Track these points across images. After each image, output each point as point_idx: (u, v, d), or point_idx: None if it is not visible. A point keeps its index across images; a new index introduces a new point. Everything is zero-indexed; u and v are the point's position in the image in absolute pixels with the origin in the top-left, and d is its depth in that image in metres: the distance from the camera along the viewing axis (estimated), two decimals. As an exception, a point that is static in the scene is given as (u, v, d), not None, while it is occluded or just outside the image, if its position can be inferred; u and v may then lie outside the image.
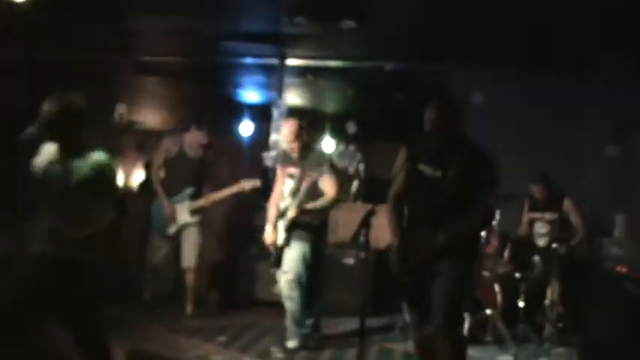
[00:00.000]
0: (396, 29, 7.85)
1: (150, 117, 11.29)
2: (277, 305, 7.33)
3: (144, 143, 10.12)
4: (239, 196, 8.32)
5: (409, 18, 7.43)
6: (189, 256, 8.17)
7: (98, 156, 5.08)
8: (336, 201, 6.91)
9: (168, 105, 11.43)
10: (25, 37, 8.24)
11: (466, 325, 6.95)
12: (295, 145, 6.93)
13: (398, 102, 10.25)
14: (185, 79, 10.24)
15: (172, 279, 8.73)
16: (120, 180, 9.94)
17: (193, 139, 8.22)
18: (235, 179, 8.17)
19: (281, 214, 6.96)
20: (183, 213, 8.16)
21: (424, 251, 5.00)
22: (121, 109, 10.45)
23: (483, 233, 7.33)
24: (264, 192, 7.90)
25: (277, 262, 6.98)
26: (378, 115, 10.87)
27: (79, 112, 5.11)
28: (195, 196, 8.20)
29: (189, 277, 8.20)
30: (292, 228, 6.84)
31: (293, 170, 6.96)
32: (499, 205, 5.72)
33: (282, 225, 6.91)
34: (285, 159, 7.14)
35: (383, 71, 9.10)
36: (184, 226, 8.18)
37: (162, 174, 8.29)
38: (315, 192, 6.81)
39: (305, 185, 6.76)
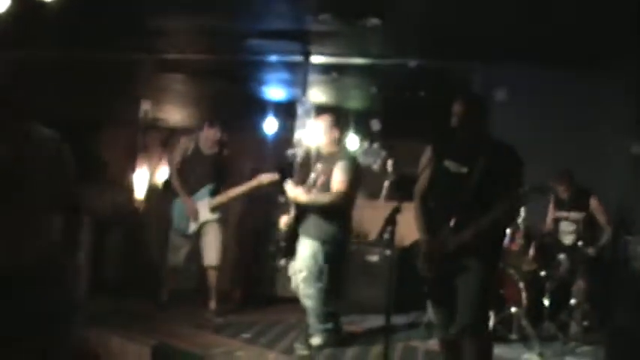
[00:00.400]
0: (420, 26, 7.83)
1: (175, 114, 11.35)
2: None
3: (168, 141, 10.16)
4: (260, 191, 8.32)
5: (433, 15, 7.40)
6: (211, 254, 8.17)
7: None
8: (346, 197, 6.75)
9: (192, 102, 11.48)
10: (50, 36, 8.28)
11: (490, 323, 6.92)
12: (327, 140, 6.86)
13: (422, 99, 10.23)
14: (209, 77, 10.26)
15: (195, 276, 8.77)
16: (145, 177, 9.99)
17: (207, 136, 8.24)
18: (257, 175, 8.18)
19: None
20: (204, 210, 8.17)
21: (449, 247, 4.98)
22: (145, 107, 10.51)
23: (508, 231, 7.31)
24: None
25: (286, 252, 6.93)
26: (403, 112, 10.85)
27: None
28: (214, 193, 8.21)
29: (212, 275, 8.21)
30: (300, 220, 6.82)
31: (318, 165, 6.88)
32: (527, 198, 5.68)
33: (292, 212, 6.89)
34: (316, 156, 7.07)
35: (407, 68, 9.07)
36: (205, 224, 8.19)
37: (180, 172, 8.32)
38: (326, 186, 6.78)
39: (322, 180, 6.70)
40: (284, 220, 7.00)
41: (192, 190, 8.20)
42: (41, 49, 8.47)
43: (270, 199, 9.21)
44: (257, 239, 9.75)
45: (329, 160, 6.83)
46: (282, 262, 7.12)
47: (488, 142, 5.10)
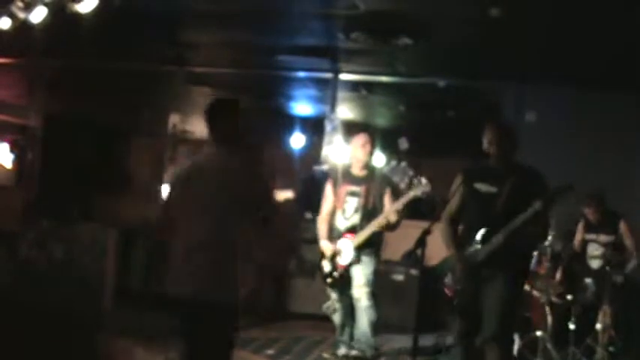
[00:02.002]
0: (450, 46, 7.84)
1: (203, 128, 11.37)
2: (322, 318, 7.33)
3: (197, 153, 10.20)
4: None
5: (463, 35, 7.41)
6: None
7: None
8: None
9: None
10: (83, 48, 8.36)
11: (516, 347, 6.88)
12: (364, 160, 6.93)
13: (451, 119, 10.22)
14: (239, 91, 10.29)
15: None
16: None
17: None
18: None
19: (345, 233, 6.92)
20: None
21: (479, 257, 5.25)
22: (174, 119, 10.56)
23: (535, 254, 7.27)
24: (314, 205, 7.89)
25: (335, 283, 6.96)
26: (431, 131, 10.85)
27: None
28: None
29: None
30: (364, 245, 6.84)
31: (355, 188, 6.93)
32: (551, 202, 5.81)
33: (348, 244, 6.88)
34: (344, 176, 7.09)
35: (437, 88, 9.07)
36: None
37: None
38: (379, 209, 6.83)
39: (372, 202, 6.77)
40: (324, 251, 7.03)
41: None
42: (75, 59, 8.54)
43: (292, 217, 9.21)
44: (280, 255, 9.74)
45: (365, 181, 6.91)
46: (332, 292, 7.11)
47: (516, 164, 5.39)
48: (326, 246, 6.98)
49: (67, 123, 10.48)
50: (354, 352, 6.97)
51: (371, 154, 6.99)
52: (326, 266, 6.99)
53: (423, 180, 6.43)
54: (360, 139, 6.96)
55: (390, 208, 6.70)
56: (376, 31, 7.33)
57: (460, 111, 9.88)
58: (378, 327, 7.02)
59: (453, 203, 5.54)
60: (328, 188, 7.15)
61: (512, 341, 5.83)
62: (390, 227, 6.82)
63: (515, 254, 5.27)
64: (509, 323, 5.40)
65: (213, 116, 4.68)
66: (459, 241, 5.50)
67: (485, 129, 5.45)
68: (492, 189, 5.35)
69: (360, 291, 6.81)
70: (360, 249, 6.81)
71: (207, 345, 4.50)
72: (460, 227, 5.59)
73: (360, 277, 6.83)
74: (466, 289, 5.35)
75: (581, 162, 8.49)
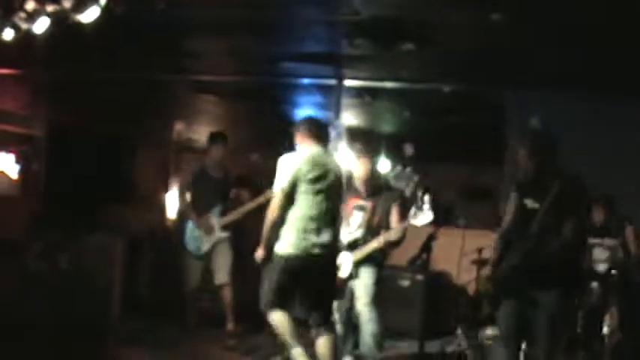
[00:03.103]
0: (455, 51, 7.83)
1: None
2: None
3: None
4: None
5: (468, 40, 7.40)
6: (223, 272, 8.19)
7: None
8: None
9: (225, 124, 11.52)
10: (86, 58, 8.38)
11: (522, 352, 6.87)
12: (368, 183, 6.96)
13: (455, 124, 10.21)
14: (243, 99, 10.32)
15: (212, 297, 8.76)
16: (178, 198, 10.04)
17: (214, 157, 8.31)
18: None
19: (348, 247, 6.93)
20: (215, 230, 8.20)
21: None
22: (179, 128, 10.58)
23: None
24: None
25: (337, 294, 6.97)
26: (436, 137, 10.84)
27: None
28: (224, 213, 8.23)
29: (226, 293, 8.21)
30: (364, 260, 6.84)
31: (362, 202, 6.97)
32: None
33: (348, 257, 6.89)
34: (351, 189, 7.10)
35: (441, 93, 9.06)
36: (216, 243, 8.21)
37: (189, 195, 8.37)
38: (384, 226, 6.82)
39: (377, 219, 6.79)
40: None
41: (203, 211, 8.24)
42: (78, 70, 8.56)
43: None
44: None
45: (373, 197, 6.98)
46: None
47: (558, 177, 5.57)
48: None
49: (72, 133, 10.50)
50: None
51: (375, 173, 7.02)
52: None
53: (426, 207, 6.41)
54: (362, 163, 7.00)
55: (393, 228, 6.73)
56: (380, 37, 7.33)
57: (465, 117, 9.86)
58: (383, 333, 7.03)
59: (508, 218, 5.82)
60: None
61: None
62: (392, 245, 6.85)
63: (557, 269, 5.47)
64: (558, 336, 5.64)
65: None
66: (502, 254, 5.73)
67: (521, 144, 5.76)
68: (536, 204, 5.58)
69: (360, 303, 6.83)
70: (359, 264, 6.83)
71: None
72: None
73: (360, 288, 6.85)
74: (504, 300, 5.61)
75: (586, 166, 8.47)
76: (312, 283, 6.14)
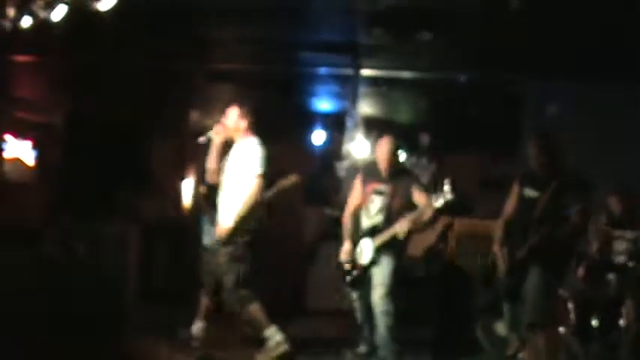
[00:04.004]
0: (472, 41, 7.81)
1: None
2: (344, 315, 7.32)
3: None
4: (284, 198, 8.28)
5: (485, 30, 7.37)
6: None
7: None
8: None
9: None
10: (103, 47, 8.39)
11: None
12: (388, 163, 6.89)
13: (472, 114, 10.17)
14: (260, 88, 10.29)
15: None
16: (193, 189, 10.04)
17: None
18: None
19: (368, 232, 6.90)
20: None
21: (520, 254, 5.97)
22: (195, 116, 10.57)
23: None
24: (334, 201, 7.89)
25: (355, 282, 6.95)
26: (452, 126, 10.80)
27: None
28: None
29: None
30: (384, 246, 6.80)
31: (382, 187, 6.89)
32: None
33: (369, 243, 6.86)
34: (371, 174, 7.07)
35: (458, 83, 9.04)
36: None
37: (204, 188, 8.34)
38: (404, 211, 6.78)
39: (398, 203, 6.74)
40: (346, 250, 7.00)
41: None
42: (96, 57, 8.57)
43: (293, 209, 9.22)
44: (286, 250, 9.73)
45: (392, 181, 6.87)
46: (353, 291, 7.10)
47: (560, 172, 5.99)
48: (347, 244, 6.97)
49: (88, 121, 10.51)
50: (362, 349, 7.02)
51: (396, 155, 6.96)
52: (346, 264, 6.98)
53: (446, 187, 6.39)
54: (385, 143, 6.93)
55: (423, 205, 6.68)
56: (397, 26, 7.31)
57: (481, 106, 9.83)
58: (399, 323, 7.02)
59: (510, 206, 6.26)
60: (357, 184, 7.13)
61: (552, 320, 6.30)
62: (426, 224, 6.82)
63: (550, 253, 5.93)
64: (545, 311, 6.02)
65: None
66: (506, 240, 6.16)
67: (530, 142, 6.16)
68: (535, 194, 6.03)
69: (376, 294, 6.79)
70: (380, 249, 6.78)
71: None
72: None
73: (378, 277, 6.81)
74: (510, 282, 6.09)
75: (605, 156, 8.44)
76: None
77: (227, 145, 6.87)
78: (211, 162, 6.92)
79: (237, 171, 6.63)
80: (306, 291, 9.43)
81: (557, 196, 5.89)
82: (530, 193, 6.11)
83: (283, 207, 8.62)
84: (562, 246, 6.06)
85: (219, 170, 6.85)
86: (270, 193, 7.98)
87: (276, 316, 7.80)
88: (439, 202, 6.46)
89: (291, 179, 7.90)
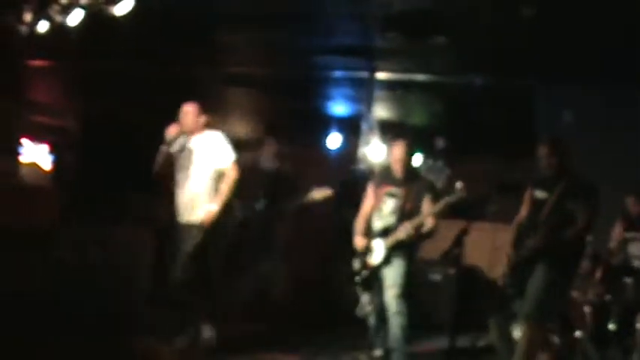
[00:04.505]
0: (486, 45, 7.80)
1: (239, 128, 11.40)
2: (356, 320, 7.31)
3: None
4: (315, 208, 8.30)
5: (499, 34, 7.37)
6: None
7: None
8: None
9: (257, 116, 11.53)
10: (119, 50, 8.42)
11: (555, 348, 6.83)
12: (403, 166, 6.90)
13: (486, 118, 10.16)
14: (275, 91, 10.31)
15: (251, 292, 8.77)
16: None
17: (268, 151, 8.30)
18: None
19: (380, 233, 6.91)
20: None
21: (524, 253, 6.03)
22: (209, 120, 10.60)
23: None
24: (352, 204, 7.88)
25: (366, 282, 6.95)
26: (467, 129, 10.79)
27: None
28: (268, 207, 8.23)
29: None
30: (396, 247, 6.80)
31: (395, 190, 6.92)
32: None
33: (381, 244, 6.86)
34: (385, 176, 7.09)
35: (473, 86, 9.03)
36: None
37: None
38: (416, 214, 6.79)
39: (410, 206, 6.75)
40: (360, 240, 7.02)
41: (248, 203, 8.24)
42: (111, 62, 8.60)
43: (327, 217, 9.22)
44: (311, 255, 9.74)
45: (405, 184, 6.88)
46: (364, 293, 7.11)
47: (568, 174, 6.03)
48: (359, 241, 6.99)
49: (104, 124, 10.55)
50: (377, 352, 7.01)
51: (410, 159, 6.98)
52: (356, 264, 6.99)
53: (458, 185, 6.40)
54: (399, 146, 6.94)
55: (425, 213, 6.69)
56: (411, 30, 7.31)
57: (496, 110, 9.81)
58: (413, 326, 7.01)
59: (523, 210, 6.29)
60: (371, 187, 7.15)
61: (545, 320, 6.21)
62: (426, 234, 6.80)
63: (556, 253, 5.89)
64: (543, 308, 5.93)
65: None
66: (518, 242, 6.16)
67: (540, 144, 6.14)
68: (544, 195, 6.06)
69: (389, 295, 6.79)
70: (392, 250, 6.78)
71: None
72: None
73: (390, 278, 6.81)
74: (514, 281, 6.08)
75: (618, 159, 8.41)
76: None
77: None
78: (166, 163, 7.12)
79: (206, 162, 6.90)
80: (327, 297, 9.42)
81: (564, 198, 5.93)
82: (539, 194, 6.15)
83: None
84: (568, 247, 6.02)
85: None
86: (300, 202, 8.04)
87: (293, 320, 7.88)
88: (450, 198, 6.47)
89: (325, 193, 7.96)
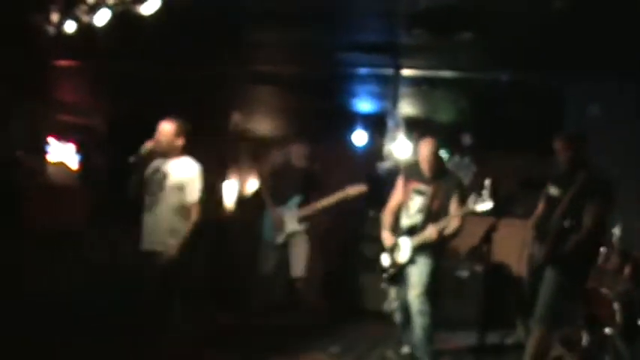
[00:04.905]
0: (513, 40, 7.75)
1: (265, 126, 11.42)
2: (385, 316, 7.31)
3: (258, 151, 10.26)
4: (347, 204, 8.31)
5: (527, 29, 7.31)
6: (298, 265, 8.22)
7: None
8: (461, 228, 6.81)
9: (283, 115, 11.54)
10: (146, 49, 8.44)
11: (584, 345, 6.79)
12: (431, 164, 6.88)
13: (514, 114, 10.10)
14: (300, 89, 10.31)
15: (282, 287, 8.80)
16: (234, 188, 10.09)
17: (299, 151, 8.31)
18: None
19: (407, 231, 6.89)
20: (292, 221, 8.21)
21: (542, 257, 6.10)
22: (236, 118, 10.62)
23: (603, 250, 7.16)
24: (377, 201, 7.87)
25: (393, 279, 6.94)
26: (494, 126, 10.73)
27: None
28: (302, 205, 8.24)
29: (300, 286, 8.25)
30: (422, 246, 6.78)
31: (423, 187, 6.90)
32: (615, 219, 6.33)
33: (407, 242, 6.85)
34: (413, 173, 7.06)
35: (499, 82, 8.97)
36: (292, 235, 8.22)
37: (270, 184, 8.41)
38: (443, 213, 6.76)
39: (437, 205, 6.73)
40: (387, 237, 7.01)
41: (281, 201, 8.26)
42: (138, 61, 8.63)
43: (358, 212, 9.20)
44: (344, 252, 9.75)
45: (434, 182, 6.87)
46: (391, 289, 7.10)
47: (583, 169, 6.08)
48: (387, 238, 6.98)
49: (130, 124, 10.60)
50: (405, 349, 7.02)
51: (438, 156, 6.95)
52: (384, 260, 6.98)
53: (485, 194, 6.35)
54: (427, 144, 6.92)
55: (450, 216, 6.66)
56: (437, 26, 7.27)
57: (523, 106, 9.75)
58: (439, 323, 7.00)
59: (539, 206, 6.41)
60: (399, 183, 7.14)
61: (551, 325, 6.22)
62: (451, 234, 6.78)
63: (566, 255, 5.99)
64: (551, 313, 6.07)
65: None
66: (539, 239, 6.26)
67: (555, 140, 6.24)
68: (558, 192, 6.17)
69: (412, 294, 6.78)
70: (417, 249, 6.77)
71: None
72: None
73: (415, 276, 6.80)
74: (532, 282, 6.23)
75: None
76: None
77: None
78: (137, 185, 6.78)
79: (176, 191, 6.59)
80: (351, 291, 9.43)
81: (578, 196, 5.98)
82: (553, 191, 6.24)
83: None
84: (579, 247, 6.02)
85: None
86: (334, 199, 8.05)
87: (321, 316, 7.88)
88: (478, 207, 6.42)
89: (359, 189, 7.98)
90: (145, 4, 6.12)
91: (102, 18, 6.33)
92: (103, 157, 11.09)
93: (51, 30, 6.61)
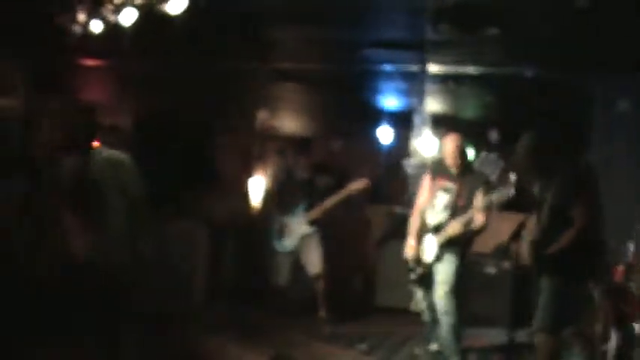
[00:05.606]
0: (539, 36, 7.70)
1: (291, 123, 11.41)
2: (412, 314, 7.30)
3: (285, 149, 10.24)
4: (355, 200, 8.32)
5: (552, 25, 7.27)
6: (314, 263, 8.26)
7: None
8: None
9: (309, 112, 11.54)
10: (171, 48, 8.46)
11: (614, 343, 6.72)
12: (457, 160, 6.85)
13: (540, 110, 10.04)
14: (326, 86, 10.30)
15: (304, 288, 8.80)
16: (261, 185, 10.09)
17: (304, 161, 8.38)
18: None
19: (433, 229, 6.87)
20: (300, 225, 8.22)
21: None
22: (262, 116, 10.63)
23: (631, 247, 7.09)
24: (403, 199, 7.86)
25: (421, 279, 6.92)
26: (520, 122, 10.67)
27: None
28: (309, 208, 8.25)
29: (319, 284, 8.26)
30: (449, 243, 6.75)
31: (449, 184, 6.87)
32: None
33: (433, 240, 6.82)
34: (439, 170, 7.03)
35: (525, 78, 8.93)
36: (304, 238, 8.24)
37: (274, 196, 8.47)
38: (469, 209, 6.72)
39: (463, 202, 6.70)
40: (410, 246, 6.98)
41: (286, 212, 8.30)
42: (163, 60, 8.66)
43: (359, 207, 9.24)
44: (367, 249, 9.74)
45: (460, 179, 6.86)
46: (418, 289, 7.08)
47: (564, 168, 5.77)
48: (409, 248, 6.95)
49: (156, 122, 10.64)
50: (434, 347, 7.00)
51: (465, 153, 6.92)
52: (411, 262, 6.96)
53: (512, 178, 6.29)
54: (453, 140, 6.89)
55: (474, 208, 6.62)
56: (464, 22, 7.24)
57: (550, 102, 9.70)
58: (468, 321, 6.97)
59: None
60: (425, 181, 7.10)
61: (558, 332, 5.95)
62: (476, 230, 6.74)
63: (559, 258, 5.66)
64: (551, 318, 5.79)
65: None
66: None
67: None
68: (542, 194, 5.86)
69: (438, 293, 6.76)
70: (444, 247, 6.74)
71: None
72: None
73: (441, 275, 6.77)
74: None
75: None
76: None
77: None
78: None
79: None
80: (377, 289, 9.41)
81: (559, 196, 5.65)
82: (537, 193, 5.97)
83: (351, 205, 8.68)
84: (569, 248, 5.71)
85: None
86: (339, 197, 8.05)
87: (348, 314, 7.85)
88: (500, 196, 6.38)
89: (361, 184, 7.97)
90: (171, 2, 6.13)
91: (128, 17, 6.35)
92: (129, 155, 11.12)
93: (77, 29, 6.64)
